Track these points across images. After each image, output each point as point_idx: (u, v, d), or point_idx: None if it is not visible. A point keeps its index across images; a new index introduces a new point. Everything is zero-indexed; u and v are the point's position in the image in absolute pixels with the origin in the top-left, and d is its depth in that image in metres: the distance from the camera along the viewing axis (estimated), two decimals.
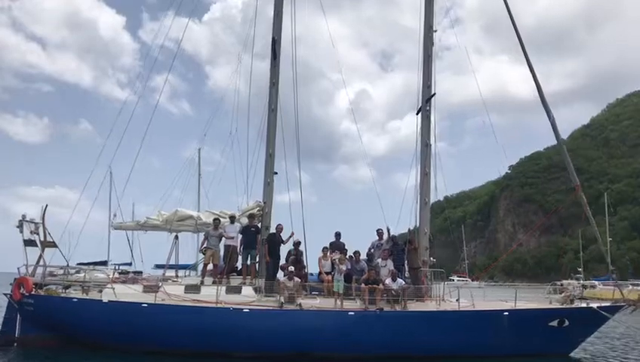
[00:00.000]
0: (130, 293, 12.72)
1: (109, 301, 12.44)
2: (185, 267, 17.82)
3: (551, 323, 12.72)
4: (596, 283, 45.45)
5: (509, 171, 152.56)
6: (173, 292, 12.65)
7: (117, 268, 22.17)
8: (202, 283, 13.52)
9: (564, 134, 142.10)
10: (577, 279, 44.07)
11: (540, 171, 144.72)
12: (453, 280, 52.14)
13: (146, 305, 12.21)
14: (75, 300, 12.87)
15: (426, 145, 15.00)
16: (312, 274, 14.57)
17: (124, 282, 14.07)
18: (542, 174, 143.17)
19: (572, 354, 13.56)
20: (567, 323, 12.75)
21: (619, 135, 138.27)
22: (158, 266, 18.92)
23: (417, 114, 15.35)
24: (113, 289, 12.76)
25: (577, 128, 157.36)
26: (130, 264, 23.86)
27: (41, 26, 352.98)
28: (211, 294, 12.39)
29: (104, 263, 24.97)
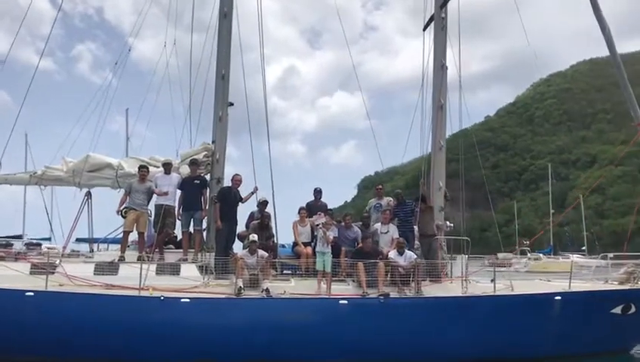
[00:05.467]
0: (10, 276, 8.86)
1: None
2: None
3: (613, 310, 9.65)
4: (541, 255, 45.66)
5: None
6: (77, 274, 8.88)
7: None
8: (121, 259, 9.71)
9: (490, 111, 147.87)
10: (524, 252, 43.68)
11: (466, 147, 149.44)
12: None
13: (31, 293, 8.42)
14: None
15: (441, 66, 11.31)
16: (283, 246, 11.53)
17: (1, 259, 9.89)
18: (469, 150, 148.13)
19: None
20: (633, 309, 9.73)
21: (543, 113, 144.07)
22: (79, 240, 15.02)
23: (425, 29, 11.69)
24: None
25: (503, 106, 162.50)
26: (49, 239, 19.58)
27: None
28: (134, 276, 8.65)
29: (19, 237, 22.71)
